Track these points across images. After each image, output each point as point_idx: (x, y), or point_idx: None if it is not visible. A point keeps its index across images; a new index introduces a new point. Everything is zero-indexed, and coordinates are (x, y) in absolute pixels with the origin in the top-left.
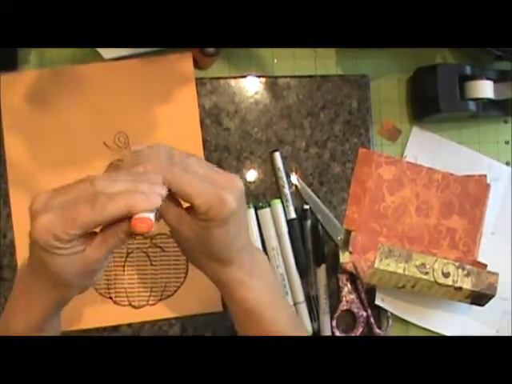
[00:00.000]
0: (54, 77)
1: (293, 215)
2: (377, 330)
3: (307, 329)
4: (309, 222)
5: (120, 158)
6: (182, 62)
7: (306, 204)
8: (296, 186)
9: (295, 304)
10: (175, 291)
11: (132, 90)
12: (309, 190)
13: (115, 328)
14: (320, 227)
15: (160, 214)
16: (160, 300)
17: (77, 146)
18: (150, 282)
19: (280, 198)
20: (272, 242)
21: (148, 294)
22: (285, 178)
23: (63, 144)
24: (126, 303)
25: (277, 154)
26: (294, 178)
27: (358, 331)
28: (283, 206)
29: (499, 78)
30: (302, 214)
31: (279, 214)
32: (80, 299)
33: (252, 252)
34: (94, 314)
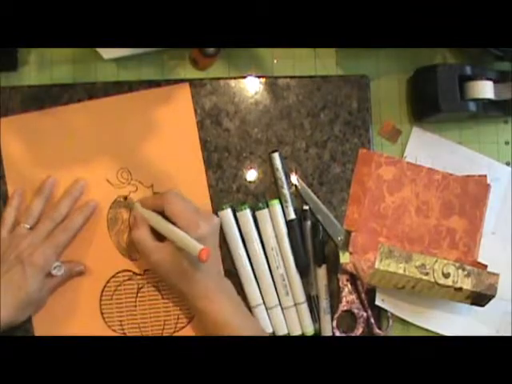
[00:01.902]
0: (51, 117)
1: (292, 216)
2: (377, 331)
3: (309, 332)
4: (309, 223)
5: (124, 195)
6: (180, 94)
7: (306, 204)
8: (296, 187)
9: (296, 305)
10: (188, 322)
11: (132, 124)
12: (309, 190)
13: None
14: (320, 228)
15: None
16: (174, 332)
17: (80, 171)
18: (162, 315)
19: (279, 198)
20: (271, 242)
21: (161, 327)
22: (284, 179)
23: (67, 181)
24: None
25: (276, 155)
26: (294, 179)
27: (359, 331)
28: (282, 207)
29: (499, 79)
30: (301, 215)
31: (278, 214)
32: (92, 334)
33: (217, 272)
34: None
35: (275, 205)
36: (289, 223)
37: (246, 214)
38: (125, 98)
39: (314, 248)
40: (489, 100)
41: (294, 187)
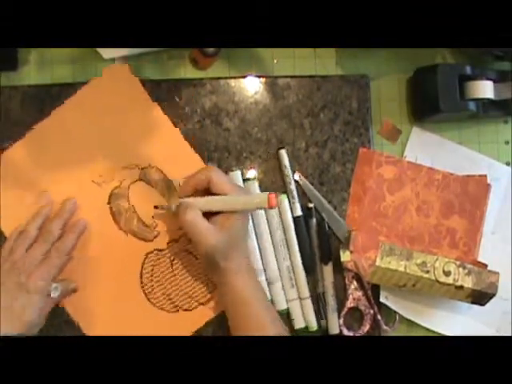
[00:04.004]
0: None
1: (299, 212)
2: (384, 327)
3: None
4: (314, 220)
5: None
6: (120, 73)
7: (310, 202)
8: (299, 185)
9: (301, 299)
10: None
11: (96, 120)
12: (312, 188)
13: None
14: (326, 225)
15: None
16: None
17: (66, 183)
18: (202, 273)
19: (286, 193)
20: (277, 237)
21: (205, 286)
22: (291, 175)
23: (57, 195)
24: (196, 304)
25: (283, 152)
26: (297, 177)
27: (366, 328)
28: (289, 203)
29: (499, 78)
30: (306, 213)
31: (286, 209)
32: (143, 321)
33: (249, 254)
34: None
35: (283, 199)
36: (295, 220)
37: None
38: (74, 101)
39: (320, 245)
40: (489, 100)
41: (296, 185)
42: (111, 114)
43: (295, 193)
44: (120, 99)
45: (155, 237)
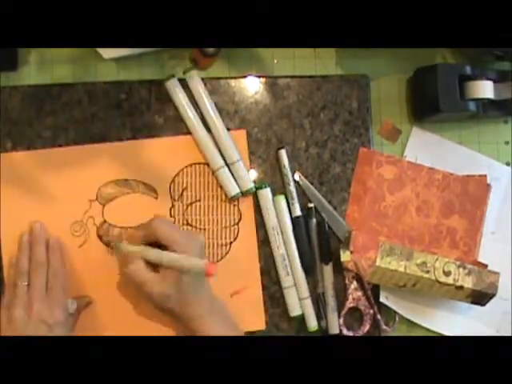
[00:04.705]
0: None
1: (298, 213)
2: (384, 327)
3: (313, 327)
4: (314, 221)
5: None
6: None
7: (310, 202)
8: (299, 184)
9: (300, 300)
10: None
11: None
12: (312, 189)
13: None
14: (326, 225)
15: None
16: None
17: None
18: None
19: (285, 194)
20: (276, 237)
21: None
22: (290, 176)
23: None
24: None
25: (283, 152)
26: (297, 177)
27: (366, 328)
28: (288, 204)
29: (499, 78)
30: (306, 213)
31: (283, 209)
32: None
33: (210, 294)
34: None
35: (281, 200)
36: (295, 220)
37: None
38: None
39: (320, 246)
40: (489, 100)
41: (297, 185)
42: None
43: (295, 193)
44: None
45: None
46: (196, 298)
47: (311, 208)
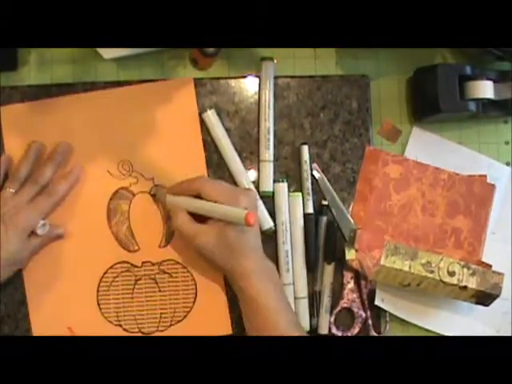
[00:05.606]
0: (53, 108)
1: (310, 210)
2: (373, 333)
3: (304, 328)
4: (325, 218)
5: (124, 186)
6: (183, 87)
7: (325, 200)
8: (315, 179)
9: (296, 299)
10: (185, 316)
11: (134, 116)
12: (328, 184)
13: None
14: (336, 225)
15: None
16: (170, 326)
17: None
18: (159, 308)
19: (301, 191)
20: (284, 233)
21: (158, 320)
22: (309, 172)
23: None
24: (136, 330)
25: (305, 147)
26: (315, 172)
27: (355, 331)
28: (303, 200)
29: (499, 78)
30: (319, 209)
31: (297, 206)
32: (89, 326)
33: (261, 253)
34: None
35: (297, 198)
36: (306, 217)
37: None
38: (128, 91)
39: (326, 244)
40: (489, 100)
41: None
42: (153, 118)
43: (310, 190)
44: (171, 109)
45: (135, 251)
46: (243, 253)
47: (324, 205)
